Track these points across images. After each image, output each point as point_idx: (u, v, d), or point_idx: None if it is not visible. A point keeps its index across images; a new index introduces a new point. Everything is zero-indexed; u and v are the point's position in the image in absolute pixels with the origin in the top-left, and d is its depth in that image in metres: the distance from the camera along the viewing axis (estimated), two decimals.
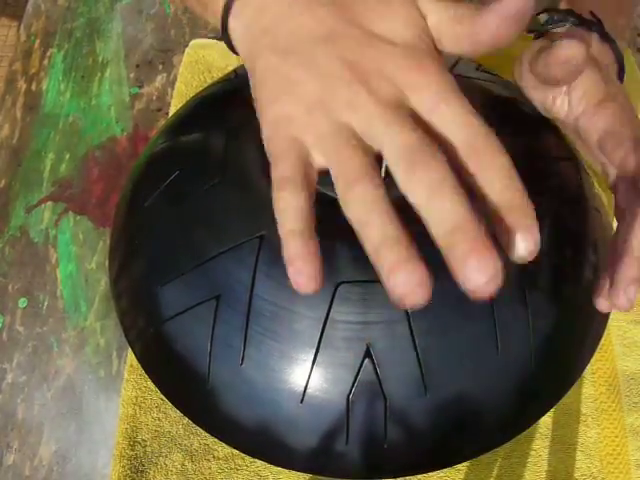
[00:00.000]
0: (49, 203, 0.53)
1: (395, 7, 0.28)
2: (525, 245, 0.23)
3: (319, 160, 0.26)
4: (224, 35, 0.32)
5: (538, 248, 0.23)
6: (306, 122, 0.27)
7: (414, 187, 0.24)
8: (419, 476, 0.39)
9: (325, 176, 0.35)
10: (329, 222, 0.35)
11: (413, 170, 0.24)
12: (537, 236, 0.23)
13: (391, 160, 0.25)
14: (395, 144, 0.24)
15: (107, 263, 0.42)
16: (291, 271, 0.24)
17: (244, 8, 0.30)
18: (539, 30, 0.41)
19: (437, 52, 0.28)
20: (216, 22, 0.32)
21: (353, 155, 0.25)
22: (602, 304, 0.34)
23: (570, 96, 0.36)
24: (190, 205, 0.37)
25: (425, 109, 0.26)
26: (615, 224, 0.35)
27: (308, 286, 0.24)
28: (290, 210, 0.25)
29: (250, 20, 0.30)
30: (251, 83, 0.30)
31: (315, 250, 0.24)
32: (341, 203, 0.25)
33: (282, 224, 0.25)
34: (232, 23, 0.31)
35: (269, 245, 0.33)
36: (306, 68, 0.27)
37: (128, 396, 0.43)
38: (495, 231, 0.24)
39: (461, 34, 0.28)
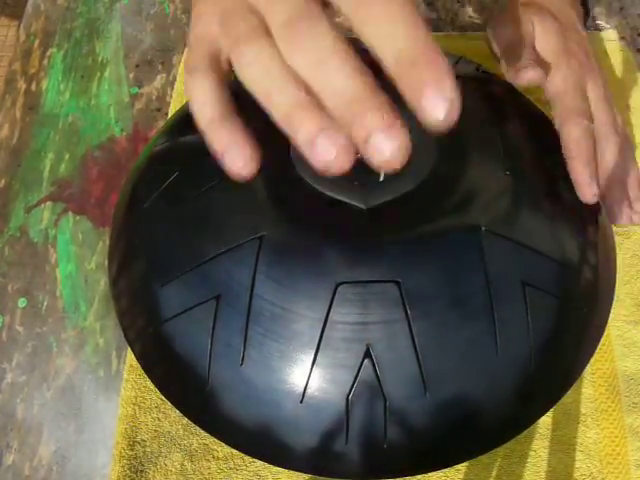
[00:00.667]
0: (49, 203, 0.53)
1: None
2: (437, 105, 0.20)
3: (223, 43, 0.25)
4: None
5: (457, 110, 0.20)
6: (210, 12, 0.25)
7: (298, 56, 0.22)
8: (419, 476, 0.39)
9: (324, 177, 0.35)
10: (329, 223, 0.35)
11: (294, 37, 0.22)
12: (453, 93, 0.20)
13: (275, 29, 0.22)
14: (276, 12, 0.23)
15: (107, 263, 0.42)
16: (224, 161, 0.23)
17: None
18: None
19: None
20: None
21: (243, 20, 0.23)
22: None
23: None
24: (190, 205, 0.37)
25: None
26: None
27: (243, 169, 0.23)
28: (202, 99, 0.24)
29: None
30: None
31: (239, 133, 0.23)
32: (235, 68, 0.23)
33: (197, 117, 0.24)
34: None
35: (269, 245, 0.33)
36: None
37: (127, 396, 0.43)
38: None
39: None
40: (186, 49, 0.27)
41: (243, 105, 0.42)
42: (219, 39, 0.25)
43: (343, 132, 0.21)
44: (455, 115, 0.20)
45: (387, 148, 0.20)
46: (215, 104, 0.24)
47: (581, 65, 0.41)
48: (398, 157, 0.20)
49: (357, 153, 0.22)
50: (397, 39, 0.21)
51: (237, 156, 0.23)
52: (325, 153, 0.21)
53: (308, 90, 0.21)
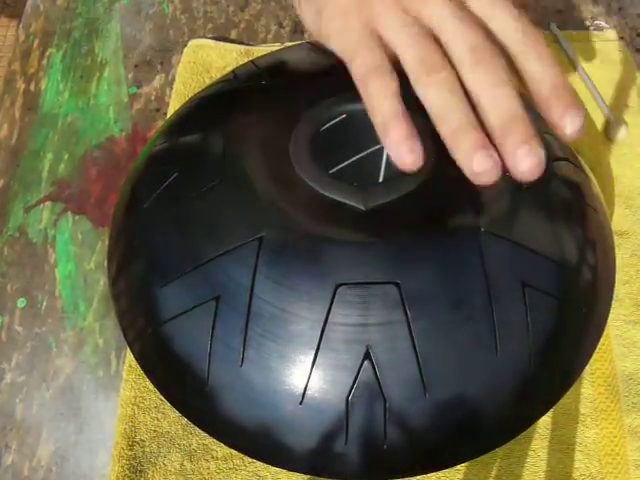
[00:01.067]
0: (48, 203, 0.53)
1: None
2: (576, 121, 0.27)
3: (393, 48, 0.29)
4: None
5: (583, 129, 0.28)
6: (379, 11, 0.30)
7: (478, 79, 0.27)
8: (419, 476, 0.39)
9: (324, 178, 0.35)
10: (328, 224, 0.35)
11: (478, 64, 0.27)
12: (584, 116, 0.28)
13: (458, 54, 0.28)
14: (461, 39, 0.28)
15: (106, 263, 0.42)
16: (399, 152, 0.28)
17: None
18: None
19: None
20: None
21: (427, 44, 0.28)
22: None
23: None
24: (189, 206, 0.37)
25: (482, 13, 0.29)
26: None
27: (416, 163, 0.28)
28: (385, 96, 0.28)
29: None
30: None
31: (413, 128, 0.28)
32: (418, 89, 0.28)
33: (377, 113, 0.28)
34: None
35: (269, 246, 0.33)
36: None
37: (127, 396, 0.43)
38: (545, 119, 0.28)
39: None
40: (348, 44, 0.30)
41: (241, 103, 0.42)
42: (392, 51, 0.29)
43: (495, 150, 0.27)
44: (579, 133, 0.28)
45: (533, 158, 0.26)
46: (399, 100, 0.28)
47: None
48: (538, 170, 0.26)
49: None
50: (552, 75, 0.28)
51: (414, 147, 0.28)
52: (482, 164, 0.26)
53: (475, 111, 0.27)
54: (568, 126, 0.28)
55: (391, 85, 0.28)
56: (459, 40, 0.28)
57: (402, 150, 0.27)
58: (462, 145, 0.27)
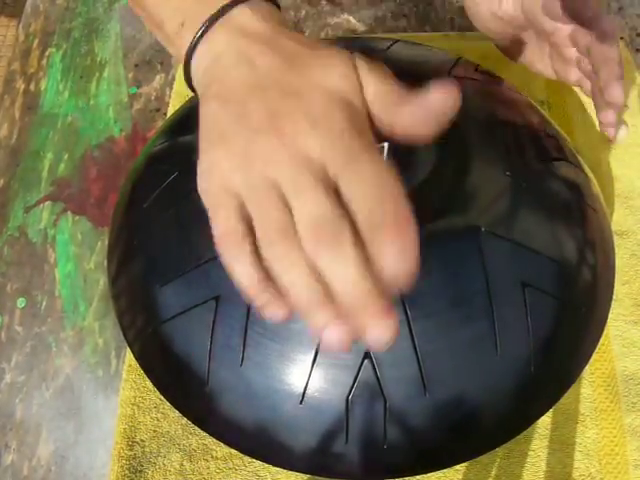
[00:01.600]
0: (48, 203, 0.53)
1: (335, 61, 0.28)
2: (376, 339, 0.24)
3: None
4: (185, 71, 0.32)
5: (388, 345, 0.24)
6: (234, 172, 0.27)
7: (319, 258, 0.25)
8: (418, 476, 0.39)
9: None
10: None
11: (319, 244, 0.25)
12: (388, 338, 0.24)
13: (301, 227, 0.25)
14: (302, 211, 0.25)
15: (106, 263, 0.42)
16: (268, 315, 0.26)
17: (205, 54, 0.31)
18: None
19: (363, 118, 0.28)
20: (178, 55, 0.32)
21: (273, 211, 0.26)
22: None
23: None
24: (189, 206, 0.37)
25: (333, 170, 0.26)
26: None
27: (286, 317, 0.26)
28: (240, 272, 0.26)
29: (206, 66, 0.31)
30: None
31: (274, 289, 0.26)
32: (262, 255, 0.26)
33: (239, 282, 0.27)
34: (194, 64, 0.31)
35: None
36: (238, 117, 0.28)
37: (126, 396, 0.43)
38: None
39: (386, 112, 0.28)
40: (212, 201, 0.28)
41: None
42: (248, 214, 0.27)
43: (347, 323, 0.25)
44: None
45: (382, 338, 0.24)
46: (256, 270, 0.26)
47: None
48: (387, 344, 0.24)
49: None
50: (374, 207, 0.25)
51: (278, 310, 0.26)
52: (331, 339, 0.25)
53: (323, 284, 0.25)
54: (372, 340, 0.24)
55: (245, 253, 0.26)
56: (302, 209, 0.26)
57: (267, 311, 0.26)
58: (312, 322, 0.25)
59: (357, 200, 0.25)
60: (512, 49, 0.48)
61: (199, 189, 0.29)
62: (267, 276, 0.26)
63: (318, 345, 0.32)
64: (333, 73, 0.28)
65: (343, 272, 0.25)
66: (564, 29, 0.42)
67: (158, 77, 0.60)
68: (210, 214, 0.28)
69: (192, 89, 0.33)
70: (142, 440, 0.42)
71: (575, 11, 0.40)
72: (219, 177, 0.28)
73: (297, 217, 0.26)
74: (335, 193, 0.26)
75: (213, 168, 0.28)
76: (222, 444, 0.37)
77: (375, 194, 0.25)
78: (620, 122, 0.40)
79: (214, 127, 0.29)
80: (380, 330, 0.24)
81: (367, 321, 0.24)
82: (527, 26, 0.44)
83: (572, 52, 0.44)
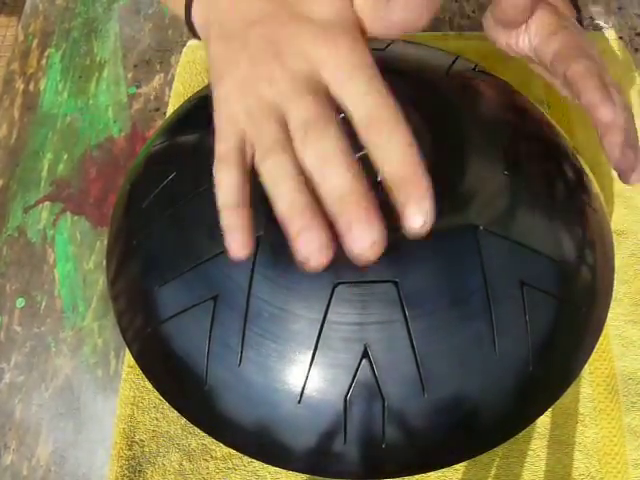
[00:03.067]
0: (47, 203, 0.53)
1: None
2: (416, 219, 0.25)
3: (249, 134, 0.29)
4: (187, 22, 0.35)
5: (431, 222, 0.25)
6: (237, 100, 0.29)
7: (307, 156, 0.26)
8: (417, 476, 0.39)
9: None
10: None
11: (306, 140, 0.26)
12: (429, 210, 0.25)
13: (292, 131, 0.27)
14: (294, 116, 0.27)
15: (105, 263, 0.42)
16: (227, 239, 0.27)
17: (202, 1, 0.34)
18: None
19: (358, 30, 0.29)
20: (181, 12, 0.35)
21: (268, 127, 0.27)
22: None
23: (529, 32, 0.41)
24: (188, 206, 0.37)
25: (333, 83, 0.28)
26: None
27: (240, 252, 0.27)
28: (224, 186, 0.28)
29: (206, 11, 0.33)
30: None
31: (247, 221, 0.27)
32: (258, 171, 0.28)
33: (218, 198, 0.28)
34: (194, 12, 0.34)
35: (266, 246, 0.33)
36: (241, 50, 0.30)
37: (126, 396, 0.43)
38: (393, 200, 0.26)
39: (377, 16, 0.29)
40: (217, 130, 0.30)
41: None
42: (247, 139, 0.28)
43: (327, 231, 0.25)
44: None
45: (364, 240, 0.24)
46: (237, 192, 0.27)
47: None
48: (372, 250, 0.24)
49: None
50: (392, 159, 0.26)
51: (238, 239, 0.27)
52: (306, 246, 0.25)
53: (308, 193, 0.26)
54: (410, 220, 0.25)
55: (232, 176, 0.28)
56: (294, 114, 0.27)
57: (231, 239, 0.27)
58: (288, 228, 0.26)
59: (354, 103, 0.27)
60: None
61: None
62: (246, 206, 0.27)
63: (316, 345, 0.32)
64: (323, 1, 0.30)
65: (331, 170, 0.25)
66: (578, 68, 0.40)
67: (157, 77, 0.60)
68: (216, 138, 0.29)
69: (195, 36, 0.36)
70: (141, 440, 0.42)
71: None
72: (225, 108, 0.29)
73: (291, 125, 0.27)
74: (330, 102, 0.27)
75: (220, 102, 0.30)
76: (221, 444, 0.37)
77: (370, 98, 0.26)
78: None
79: (219, 64, 0.31)
80: (364, 233, 0.24)
81: (352, 222, 0.24)
82: (541, 65, 0.43)
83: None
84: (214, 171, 0.28)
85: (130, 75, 0.60)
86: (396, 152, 0.26)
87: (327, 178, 0.26)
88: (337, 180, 0.25)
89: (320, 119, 0.27)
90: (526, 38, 0.41)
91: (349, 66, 0.27)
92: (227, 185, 0.28)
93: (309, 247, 0.25)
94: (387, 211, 0.25)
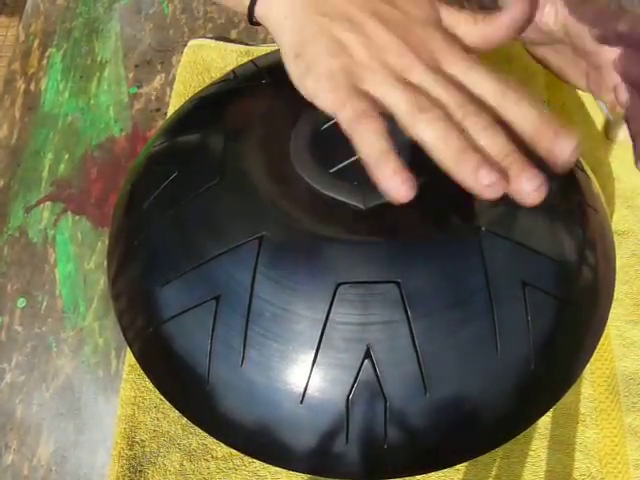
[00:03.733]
0: (48, 203, 0.53)
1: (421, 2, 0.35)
2: (568, 146, 0.29)
3: (382, 99, 0.31)
4: (249, 13, 0.37)
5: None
6: (367, 75, 0.32)
7: (471, 127, 0.30)
8: (418, 476, 0.39)
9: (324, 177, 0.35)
10: (328, 223, 0.35)
11: (467, 116, 0.30)
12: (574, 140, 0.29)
13: (451, 106, 0.30)
14: (451, 100, 0.30)
15: (106, 263, 0.42)
16: (392, 185, 0.29)
17: None
18: None
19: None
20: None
21: (418, 93, 0.30)
22: None
23: (554, 3, 0.42)
24: (189, 206, 0.37)
25: (461, 74, 0.32)
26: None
27: (409, 194, 0.29)
28: (371, 136, 0.30)
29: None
30: (287, 40, 0.35)
31: (401, 162, 0.29)
32: (414, 128, 0.30)
33: (366, 152, 0.30)
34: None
35: (269, 246, 0.33)
36: (356, 35, 0.33)
37: (127, 396, 0.43)
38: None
39: (474, 32, 0.34)
40: (324, 100, 0.33)
41: (241, 103, 0.42)
42: (383, 99, 0.31)
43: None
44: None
45: (533, 183, 0.28)
46: (386, 138, 0.30)
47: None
48: (540, 192, 0.29)
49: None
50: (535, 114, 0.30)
51: (405, 178, 0.29)
52: (487, 178, 0.28)
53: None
54: (560, 150, 0.29)
55: (378, 126, 0.30)
56: (448, 99, 0.30)
57: (394, 183, 0.29)
58: (465, 165, 0.28)
59: (481, 84, 0.31)
60: (543, 56, 0.47)
61: (319, 93, 0.33)
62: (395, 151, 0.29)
63: (319, 345, 0.32)
64: (423, 8, 0.35)
65: (493, 135, 0.29)
66: (609, 53, 0.40)
67: (158, 77, 0.60)
68: (336, 106, 0.31)
69: (253, 24, 0.38)
70: (142, 440, 0.42)
71: None
72: (347, 77, 0.32)
73: (444, 100, 0.30)
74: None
75: (338, 71, 0.32)
76: (222, 444, 0.37)
77: (490, 76, 0.31)
78: (620, 122, 0.39)
79: (329, 39, 0.33)
80: (534, 177, 0.28)
81: (522, 170, 0.28)
82: (566, 41, 0.42)
83: (613, 77, 0.41)
84: (351, 129, 0.30)
85: (131, 75, 0.60)
86: (531, 111, 0.30)
87: (494, 141, 0.29)
88: (502, 142, 0.29)
89: (475, 104, 0.30)
90: (552, 10, 0.42)
91: (470, 63, 0.32)
92: (376, 134, 0.30)
93: (491, 177, 0.28)
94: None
